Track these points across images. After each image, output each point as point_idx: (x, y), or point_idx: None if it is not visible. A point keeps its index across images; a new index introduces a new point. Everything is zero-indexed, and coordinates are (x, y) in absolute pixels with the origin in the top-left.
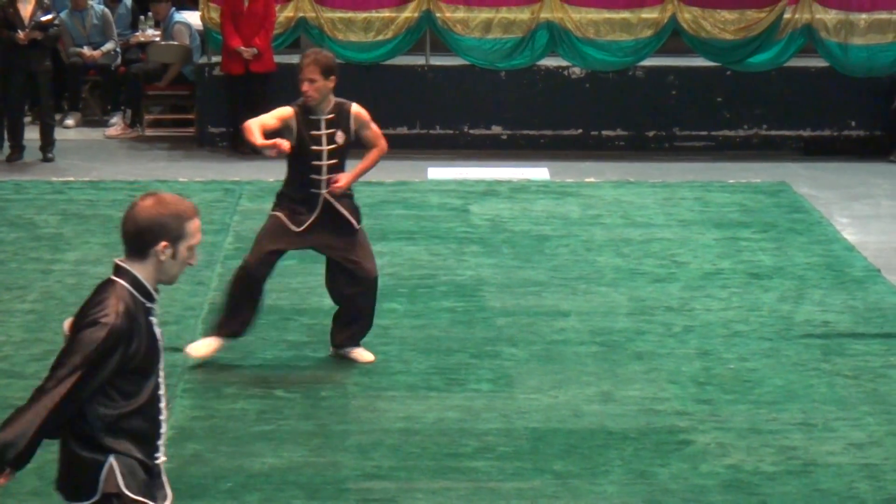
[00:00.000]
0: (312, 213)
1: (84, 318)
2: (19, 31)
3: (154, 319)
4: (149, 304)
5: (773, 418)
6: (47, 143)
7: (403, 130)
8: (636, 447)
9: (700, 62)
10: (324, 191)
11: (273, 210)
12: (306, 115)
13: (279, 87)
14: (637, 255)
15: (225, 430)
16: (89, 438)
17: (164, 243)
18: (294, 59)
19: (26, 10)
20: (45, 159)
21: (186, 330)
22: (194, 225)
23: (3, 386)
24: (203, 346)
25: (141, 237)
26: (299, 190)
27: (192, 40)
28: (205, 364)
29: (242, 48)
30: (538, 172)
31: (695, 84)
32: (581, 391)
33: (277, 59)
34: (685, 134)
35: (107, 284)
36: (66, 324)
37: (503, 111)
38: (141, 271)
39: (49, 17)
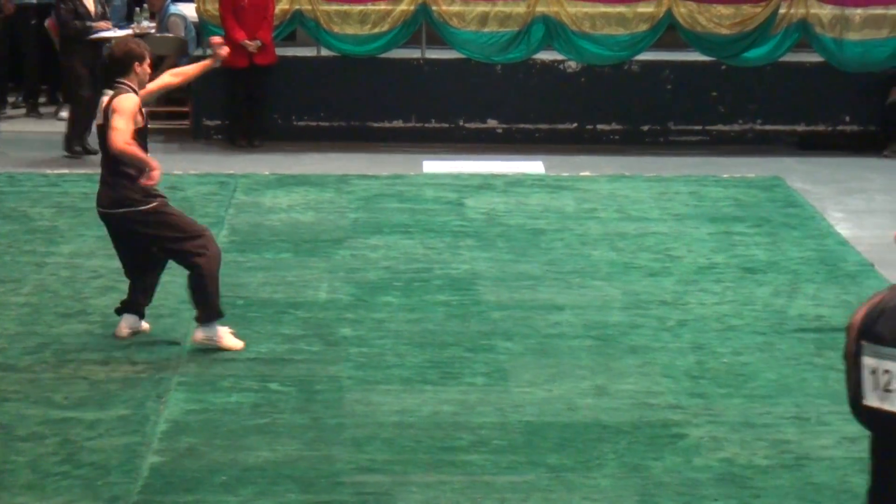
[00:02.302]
0: None
1: None
2: (87, 22)
3: None
4: None
5: (766, 412)
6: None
7: (399, 123)
8: (630, 441)
9: (695, 57)
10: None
11: (152, 206)
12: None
13: (279, 78)
14: (631, 249)
15: (219, 423)
16: None
17: None
18: (290, 51)
19: (90, 3)
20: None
21: (181, 323)
22: None
23: None
24: (233, 338)
25: None
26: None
27: (187, 32)
28: (199, 357)
29: (247, 41)
30: (533, 166)
31: (690, 79)
32: (575, 385)
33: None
34: (680, 128)
35: None
36: None
37: (499, 105)
38: None
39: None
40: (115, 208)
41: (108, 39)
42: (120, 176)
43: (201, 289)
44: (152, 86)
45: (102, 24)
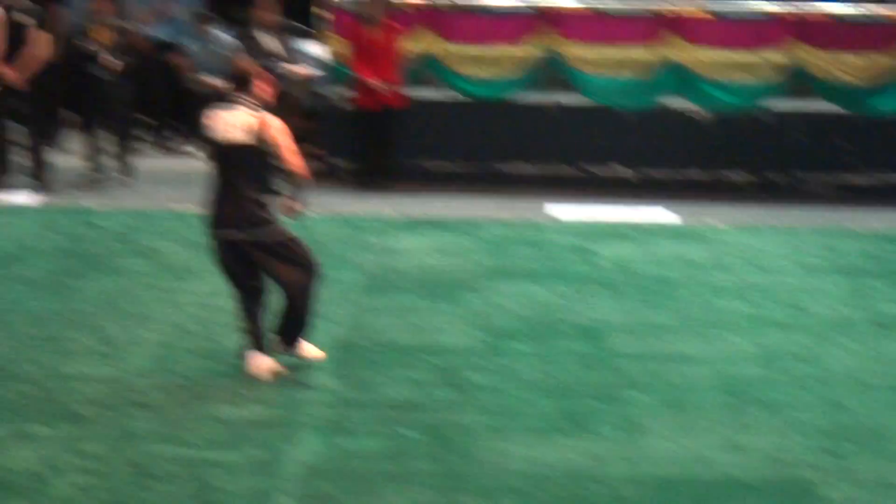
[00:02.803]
0: None
1: None
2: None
3: None
4: None
5: None
6: None
7: (528, 169)
8: (762, 497)
9: (828, 107)
10: None
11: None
12: None
13: (409, 121)
14: (763, 301)
15: (350, 468)
16: None
17: None
18: (421, 93)
19: (270, 43)
20: None
21: (315, 366)
22: None
23: (128, 416)
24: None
25: None
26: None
27: (316, 71)
28: (332, 401)
29: (378, 83)
30: (664, 215)
31: (822, 128)
32: (707, 438)
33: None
34: (812, 179)
35: None
36: None
37: (628, 152)
38: None
39: None
40: (250, 227)
41: (286, 77)
42: (251, 195)
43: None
44: None
45: (287, 65)
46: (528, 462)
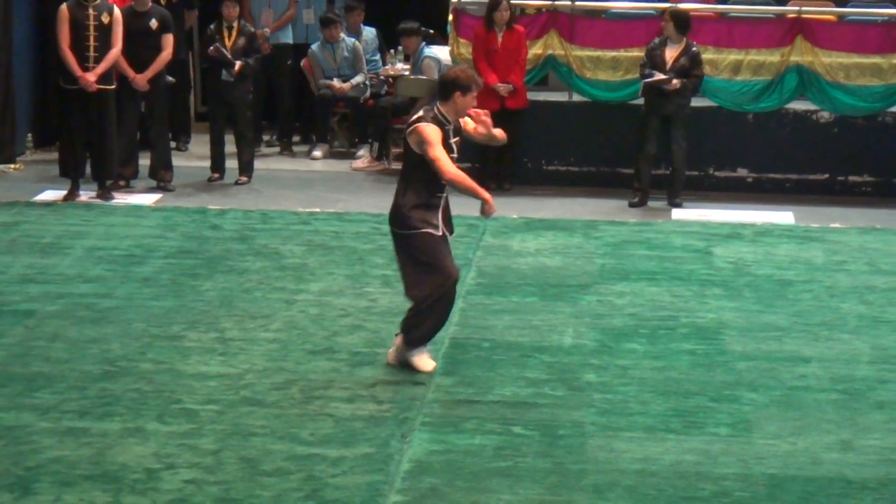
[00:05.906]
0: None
1: None
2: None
3: None
4: None
5: None
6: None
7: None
8: (875, 497)
9: None
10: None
11: (420, 230)
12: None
13: (530, 123)
14: (881, 303)
15: (462, 465)
16: None
17: None
18: (542, 96)
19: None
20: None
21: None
22: None
23: (245, 413)
24: (428, 361)
25: None
26: (431, 198)
27: (440, 75)
28: (443, 398)
29: (499, 85)
30: (783, 216)
31: None
32: (820, 439)
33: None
34: None
35: None
36: None
37: (749, 154)
38: None
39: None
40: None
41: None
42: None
43: (417, 322)
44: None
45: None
46: (638, 460)
